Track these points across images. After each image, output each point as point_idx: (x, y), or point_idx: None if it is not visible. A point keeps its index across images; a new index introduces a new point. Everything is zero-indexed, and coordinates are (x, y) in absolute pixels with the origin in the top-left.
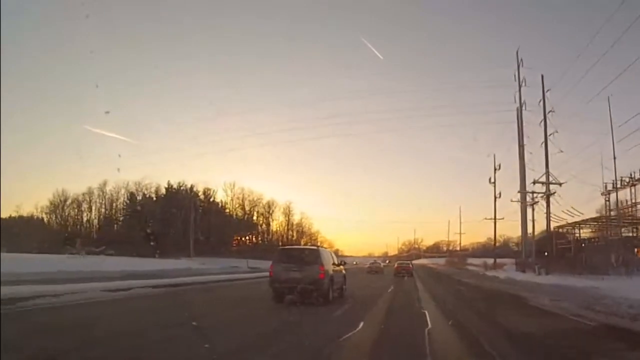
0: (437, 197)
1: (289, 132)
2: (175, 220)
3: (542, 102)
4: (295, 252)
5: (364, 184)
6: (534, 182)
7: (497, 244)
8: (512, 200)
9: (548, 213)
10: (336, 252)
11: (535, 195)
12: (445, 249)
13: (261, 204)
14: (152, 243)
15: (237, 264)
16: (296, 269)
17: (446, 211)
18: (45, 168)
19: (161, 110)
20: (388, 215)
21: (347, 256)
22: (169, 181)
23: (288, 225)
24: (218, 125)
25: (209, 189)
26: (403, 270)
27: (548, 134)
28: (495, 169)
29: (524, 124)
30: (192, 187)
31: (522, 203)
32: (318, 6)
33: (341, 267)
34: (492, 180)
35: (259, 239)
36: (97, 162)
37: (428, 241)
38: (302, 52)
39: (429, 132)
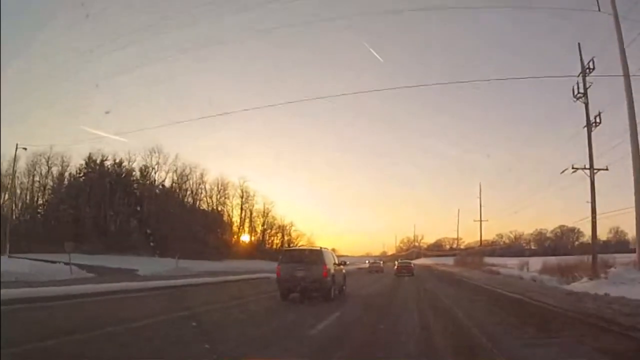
0: (439, 191)
1: (282, 131)
2: (93, 205)
3: None
4: (299, 253)
5: (359, 180)
6: None
7: (495, 242)
8: None
9: None
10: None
11: None
12: (448, 247)
13: (196, 181)
14: None
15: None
16: (301, 269)
17: (448, 207)
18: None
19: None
20: (385, 212)
21: (341, 256)
22: (90, 154)
23: (242, 212)
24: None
25: (147, 167)
26: (404, 269)
27: None
28: (585, 70)
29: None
30: (120, 162)
31: None
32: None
33: (341, 266)
34: (579, 91)
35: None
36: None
37: (429, 239)
38: (300, 49)
39: (428, 117)
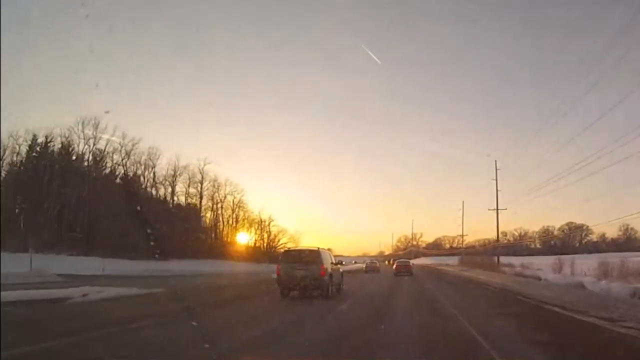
0: (437, 190)
1: (280, 131)
2: (32, 195)
3: None
4: (298, 253)
5: (356, 180)
6: None
7: (501, 239)
8: None
9: None
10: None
11: None
12: (448, 246)
13: (148, 163)
14: None
15: None
16: (300, 268)
17: (447, 205)
18: None
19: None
20: (382, 212)
21: (338, 256)
22: (34, 135)
23: (201, 199)
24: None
25: (101, 151)
26: (403, 269)
27: None
28: None
29: None
30: (69, 144)
31: None
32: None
33: (338, 266)
34: None
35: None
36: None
37: (427, 237)
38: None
39: (426, 116)
